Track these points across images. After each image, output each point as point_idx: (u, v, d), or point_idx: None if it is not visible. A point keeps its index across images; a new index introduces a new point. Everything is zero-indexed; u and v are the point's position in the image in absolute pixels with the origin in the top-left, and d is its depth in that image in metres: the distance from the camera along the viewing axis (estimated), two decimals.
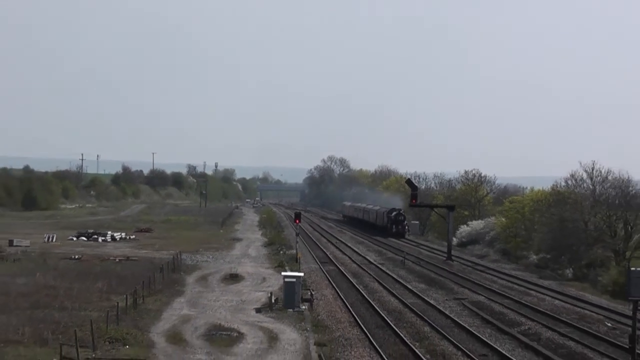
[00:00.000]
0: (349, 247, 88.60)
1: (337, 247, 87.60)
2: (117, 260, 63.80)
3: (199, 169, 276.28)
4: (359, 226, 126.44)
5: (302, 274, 49.16)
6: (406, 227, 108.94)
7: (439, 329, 39.08)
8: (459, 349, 34.59)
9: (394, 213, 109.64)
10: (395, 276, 61.51)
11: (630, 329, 28.42)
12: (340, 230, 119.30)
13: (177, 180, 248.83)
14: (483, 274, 65.79)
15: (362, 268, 67.13)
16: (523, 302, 49.46)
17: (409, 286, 55.77)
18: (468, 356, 33.12)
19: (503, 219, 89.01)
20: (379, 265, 69.40)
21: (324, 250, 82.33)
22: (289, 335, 36.39)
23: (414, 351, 33.72)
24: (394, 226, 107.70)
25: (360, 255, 79.35)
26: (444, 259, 76.16)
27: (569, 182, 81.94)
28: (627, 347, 28.95)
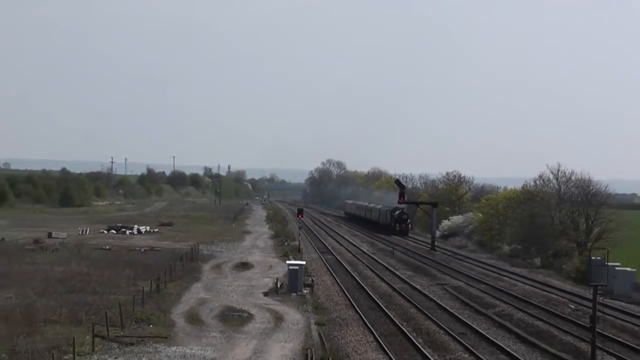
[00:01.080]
0: (346, 239, 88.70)
1: (334, 239, 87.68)
2: (142, 250, 63.84)
3: (214, 171, 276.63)
4: (361, 223, 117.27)
5: (304, 263, 49.23)
6: (409, 226, 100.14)
7: (424, 311, 39.19)
8: (441, 327, 34.68)
9: (397, 212, 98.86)
10: (385, 264, 61.58)
11: (591, 310, 28.43)
12: (338, 225, 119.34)
13: (194, 180, 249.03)
14: (462, 263, 65.91)
15: (356, 257, 67.20)
16: (497, 287, 49.54)
17: (398, 273, 55.86)
18: (449, 334, 33.18)
19: (480, 214, 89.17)
20: (371, 255, 69.48)
21: (323, 241, 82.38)
22: (293, 316, 36.45)
23: (402, 330, 33.81)
24: (397, 224, 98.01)
25: (355, 246, 79.40)
26: (428, 249, 76.21)
27: (538, 182, 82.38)
28: (588, 326, 28.97)
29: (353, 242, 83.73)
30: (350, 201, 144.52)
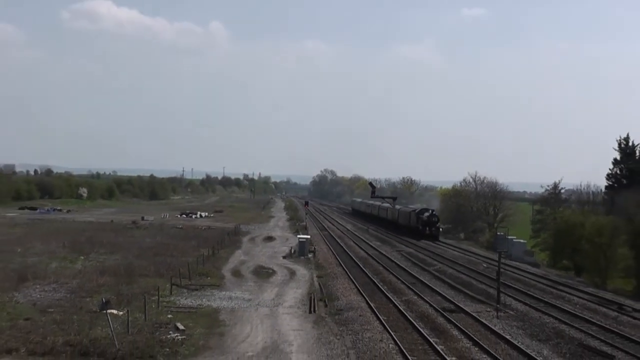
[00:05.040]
0: (336, 221, 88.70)
1: (329, 222, 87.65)
2: (203, 228, 63.84)
3: (250, 176, 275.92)
4: (374, 222, 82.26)
5: (309, 237, 49.26)
6: (440, 229, 63.71)
7: (387, 268, 39.25)
8: (398, 279, 34.72)
9: (426, 214, 63.43)
10: (362, 238, 61.60)
11: (497, 267, 28.54)
12: (331, 212, 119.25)
13: (237, 182, 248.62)
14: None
15: (343, 233, 67.25)
16: (436, 252, 49.58)
17: (370, 244, 55.86)
18: (404, 283, 33.22)
19: (425, 205, 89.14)
20: (354, 232, 69.48)
21: (322, 223, 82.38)
22: (302, 271, 36.48)
23: (373, 280, 33.84)
24: (426, 228, 62.16)
25: (342, 225, 79.41)
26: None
27: (462, 183, 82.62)
28: (495, 278, 29.06)
29: (341, 223, 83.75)
30: (359, 199, 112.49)
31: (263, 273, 35.14)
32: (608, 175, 54.48)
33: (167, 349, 18.52)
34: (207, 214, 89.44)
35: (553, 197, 65.49)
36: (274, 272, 35.55)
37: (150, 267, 34.02)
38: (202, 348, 18.97)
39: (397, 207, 75.73)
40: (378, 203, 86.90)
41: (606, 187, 55.58)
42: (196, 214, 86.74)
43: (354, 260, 42.58)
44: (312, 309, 25.22)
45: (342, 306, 26.31)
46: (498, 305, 26.61)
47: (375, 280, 33.70)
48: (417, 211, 65.21)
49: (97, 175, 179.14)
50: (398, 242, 57.16)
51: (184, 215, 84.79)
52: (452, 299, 28.75)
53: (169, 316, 22.94)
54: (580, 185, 63.50)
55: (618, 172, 53.45)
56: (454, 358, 18.81)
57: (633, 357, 19.52)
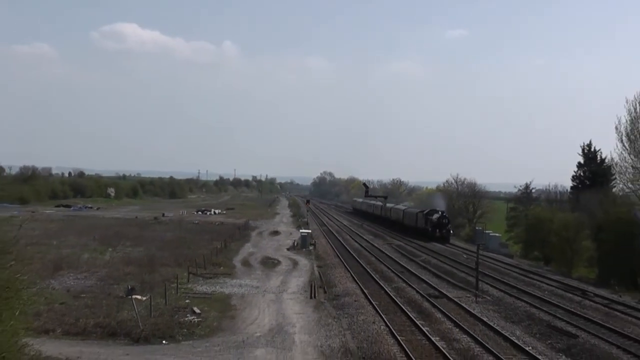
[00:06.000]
0: (335, 217, 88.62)
1: (328, 218, 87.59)
2: (216, 224, 63.89)
3: (258, 177, 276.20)
4: (377, 222, 74.10)
5: (310, 231, 49.33)
6: (451, 231, 54.15)
7: (379, 259, 39.25)
8: (389, 268, 34.71)
9: (435, 215, 54.00)
10: (357, 232, 61.54)
11: (475, 258, 28.59)
12: (329, 209, 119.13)
13: (246, 183, 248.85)
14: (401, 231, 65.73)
15: (340, 228, 67.18)
16: (422, 245, 49.47)
17: (364, 237, 55.80)
18: (393, 272, 33.23)
19: (412, 203, 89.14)
20: (349, 227, 69.41)
21: (321, 219, 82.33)
22: (304, 262, 36.52)
23: (367, 270, 33.84)
24: (437, 230, 53.08)
25: (340, 221, 79.33)
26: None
27: (445, 184, 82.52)
28: (474, 267, 29.11)
29: (339, 219, 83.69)
30: (360, 199, 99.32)
31: (269, 263, 35.17)
32: (573, 177, 54.55)
33: (185, 330, 18.63)
34: (220, 211, 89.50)
35: (525, 196, 65.49)
36: (279, 263, 35.60)
37: (170, 258, 34.07)
38: (216, 329, 19.06)
39: (401, 207, 69.71)
40: (380, 203, 78.86)
41: (572, 188, 55.58)
42: (210, 211, 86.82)
43: (350, 252, 42.56)
44: (312, 295, 25.27)
45: (339, 292, 26.35)
46: (477, 292, 26.67)
47: (369, 270, 33.71)
48: (425, 212, 55.83)
49: (123, 177, 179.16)
50: (389, 236, 57.13)
51: (200, 212, 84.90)
52: (436, 286, 28.76)
53: (187, 301, 23.01)
54: (549, 186, 63.62)
55: (582, 174, 53.49)
56: (437, 337, 18.87)
57: (594, 336, 19.62)
